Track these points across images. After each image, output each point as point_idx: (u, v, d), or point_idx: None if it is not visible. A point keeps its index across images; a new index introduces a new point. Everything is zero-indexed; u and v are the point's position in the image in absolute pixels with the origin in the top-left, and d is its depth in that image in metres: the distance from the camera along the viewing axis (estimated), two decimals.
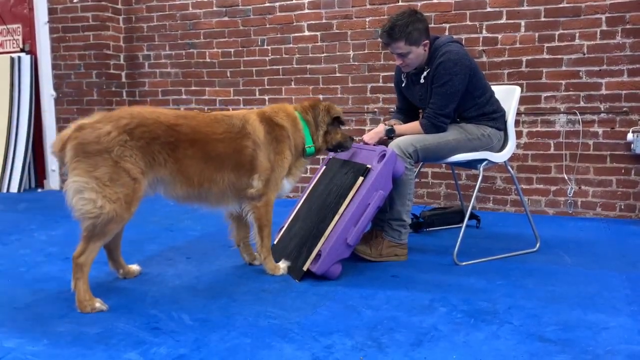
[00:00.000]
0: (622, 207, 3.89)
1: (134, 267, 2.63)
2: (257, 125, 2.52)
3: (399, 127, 2.92)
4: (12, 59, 5.28)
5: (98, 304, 2.18)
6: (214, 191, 2.46)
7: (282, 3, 4.69)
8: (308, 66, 4.68)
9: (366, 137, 2.88)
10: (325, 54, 4.61)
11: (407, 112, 3.17)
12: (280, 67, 4.78)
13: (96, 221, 2.14)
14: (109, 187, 2.14)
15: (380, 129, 2.89)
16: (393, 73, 3.99)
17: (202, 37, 5.02)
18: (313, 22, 4.61)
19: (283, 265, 2.62)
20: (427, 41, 2.83)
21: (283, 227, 2.99)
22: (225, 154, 2.42)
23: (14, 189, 5.27)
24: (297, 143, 2.64)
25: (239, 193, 2.54)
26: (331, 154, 3.04)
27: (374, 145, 2.83)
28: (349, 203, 2.56)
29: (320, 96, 4.64)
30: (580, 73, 3.90)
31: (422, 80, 2.91)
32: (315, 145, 2.70)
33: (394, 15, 2.83)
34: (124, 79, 5.36)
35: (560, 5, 3.90)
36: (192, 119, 2.40)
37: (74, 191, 2.13)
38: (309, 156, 2.72)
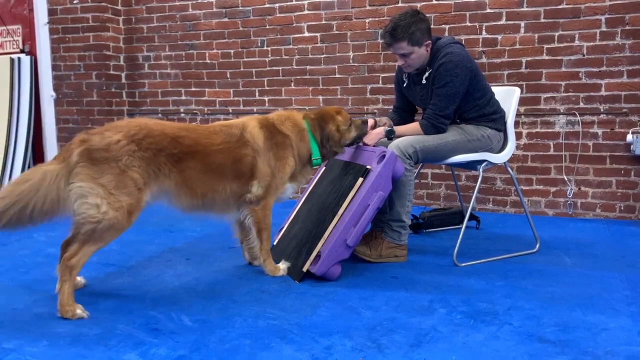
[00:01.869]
0: (622, 208, 3.90)
1: (79, 279, 2.49)
2: (257, 131, 2.52)
3: (399, 128, 2.92)
4: (12, 60, 5.29)
5: (79, 310, 2.12)
6: (217, 201, 2.48)
7: (282, 4, 4.69)
8: (308, 67, 4.69)
9: (366, 139, 2.88)
10: (325, 55, 4.61)
11: (404, 112, 3.18)
12: (280, 68, 4.78)
13: (97, 226, 2.12)
14: (114, 195, 2.14)
15: (380, 130, 2.89)
16: (393, 74, 3.99)
17: (202, 38, 5.03)
18: (313, 23, 4.62)
19: (283, 266, 2.62)
20: (429, 41, 2.83)
21: (283, 227, 2.99)
22: (225, 164, 2.43)
23: None
24: (301, 153, 2.63)
25: (241, 200, 2.55)
26: None
27: (374, 146, 2.83)
28: (348, 204, 2.56)
29: (320, 97, 4.64)
30: (580, 74, 3.91)
31: (423, 81, 2.91)
32: (325, 157, 2.71)
33: (396, 16, 2.83)
34: (123, 80, 5.36)
35: (560, 7, 3.90)
36: (193, 131, 2.42)
37: (78, 195, 2.12)
38: (315, 166, 2.73)
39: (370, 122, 2.98)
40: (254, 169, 2.49)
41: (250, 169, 2.49)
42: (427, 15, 2.91)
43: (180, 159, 2.32)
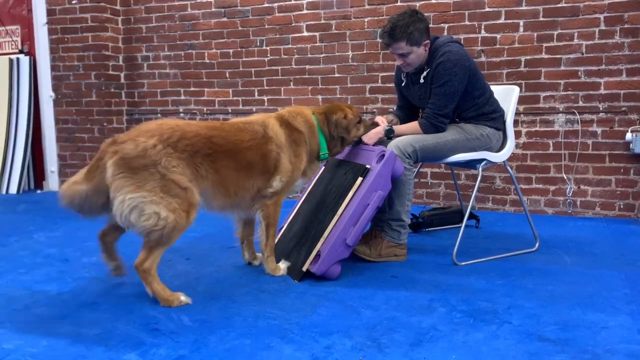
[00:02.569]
0: (621, 206, 3.90)
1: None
2: (278, 129, 2.53)
3: (398, 128, 2.92)
4: (10, 60, 5.29)
5: (183, 297, 2.25)
6: (246, 198, 2.50)
7: (281, 3, 4.69)
8: (307, 67, 4.69)
9: (365, 138, 2.88)
10: (324, 55, 4.61)
11: (407, 111, 3.18)
12: (279, 67, 4.78)
13: (163, 232, 2.16)
14: (164, 198, 2.16)
15: (380, 129, 2.89)
16: (392, 73, 3.99)
17: (201, 37, 5.02)
18: (312, 22, 4.62)
19: (283, 265, 2.62)
20: (427, 41, 2.83)
21: (282, 227, 2.98)
22: (254, 161, 2.43)
23: (13, 190, 5.27)
24: (312, 149, 2.66)
25: (258, 195, 2.56)
26: None
27: (373, 145, 2.83)
28: (348, 203, 2.56)
29: (319, 97, 4.64)
30: (579, 73, 3.91)
31: (421, 80, 2.91)
32: (333, 151, 2.74)
33: (394, 16, 2.83)
34: (122, 80, 5.36)
35: (559, 5, 3.90)
36: (221, 130, 2.41)
37: (131, 208, 2.12)
38: (322, 161, 2.75)
39: (382, 123, 2.97)
40: (278, 164, 2.51)
41: (274, 165, 2.50)
42: (426, 14, 2.92)
43: (216, 159, 2.32)
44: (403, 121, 3.08)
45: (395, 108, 3.30)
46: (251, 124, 2.51)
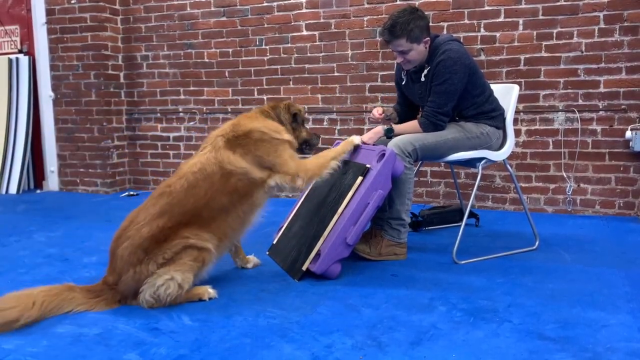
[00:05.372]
0: (621, 204, 3.90)
1: (252, 258, 2.78)
2: (231, 155, 2.38)
3: (398, 127, 2.92)
4: (10, 60, 5.28)
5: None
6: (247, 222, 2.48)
7: (280, 3, 4.69)
8: (306, 66, 4.68)
9: (365, 137, 2.88)
10: (323, 54, 4.61)
11: (406, 108, 3.18)
12: (279, 66, 4.78)
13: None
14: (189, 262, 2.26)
15: (379, 128, 2.89)
16: (391, 72, 3.98)
17: (200, 37, 5.02)
18: (311, 21, 4.61)
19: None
20: (427, 38, 2.83)
21: (282, 226, 2.98)
22: (223, 202, 2.33)
23: (12, 190, 5.27)
24: (275, 129, 2.50)
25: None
26: None
27: (373, 145, 2.83)
28: (348, 202, 2.56)
29: (319, 95, 4.64)
30: (579, 71, 3.91)
31: (422, 79, 2.91)
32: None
33: (394, 13, 2.82)
34: (122, 80, 5.35)
35: (558, 4, 3.90)
36: (172, 203, 2.29)
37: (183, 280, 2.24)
38: None
39: (379, 110, 3.00)
40: (276, 166, 2.42)
41: (249, 186, 2.38)
42: (426, 13, 2.92)
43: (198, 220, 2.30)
44: (401, 116, 3.09)
45: (394, 106, 3.30)
46: (203, 170, 2.33)
